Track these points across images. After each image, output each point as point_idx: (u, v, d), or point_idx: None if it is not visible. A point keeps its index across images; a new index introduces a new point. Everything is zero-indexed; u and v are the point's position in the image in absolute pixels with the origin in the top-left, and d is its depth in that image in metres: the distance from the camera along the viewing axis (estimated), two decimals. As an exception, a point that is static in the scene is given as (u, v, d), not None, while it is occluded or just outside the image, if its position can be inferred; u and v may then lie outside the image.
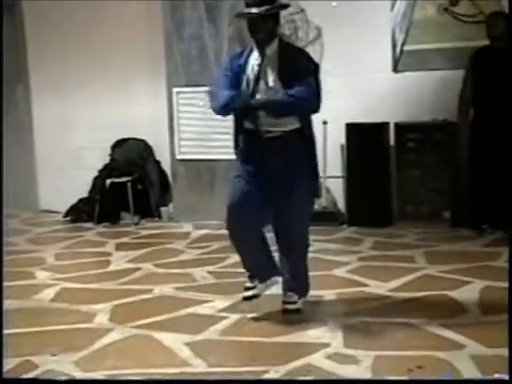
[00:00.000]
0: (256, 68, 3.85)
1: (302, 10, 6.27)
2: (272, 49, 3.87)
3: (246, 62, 3.91)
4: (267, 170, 3.88)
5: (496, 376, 3.00)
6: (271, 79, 3.86)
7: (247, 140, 3.94)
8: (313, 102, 3.85)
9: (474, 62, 5.79)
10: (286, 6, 3.90)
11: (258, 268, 4.06)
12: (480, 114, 5.78)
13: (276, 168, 3.87)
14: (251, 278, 4.06)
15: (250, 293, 4.03)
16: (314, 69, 3.90)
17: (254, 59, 3.89)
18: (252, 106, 3.81)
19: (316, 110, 3.91)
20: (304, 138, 3.92)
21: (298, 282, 4.04)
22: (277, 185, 3.88)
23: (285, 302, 4.03)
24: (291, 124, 3.87)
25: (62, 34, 7.54)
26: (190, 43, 6.86)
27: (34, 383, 3.33)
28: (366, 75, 6.51)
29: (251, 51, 3.94)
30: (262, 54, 3.85)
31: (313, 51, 6.36)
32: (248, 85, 3.86)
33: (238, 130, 3.98)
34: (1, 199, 6.14)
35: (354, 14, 6.48)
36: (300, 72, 3.81)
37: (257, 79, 3.83)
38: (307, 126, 3.94)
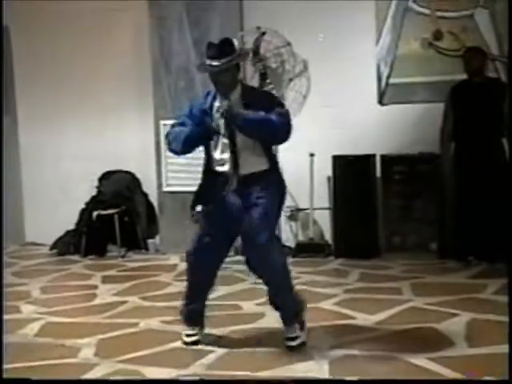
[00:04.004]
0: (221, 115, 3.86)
1: (289, 44, 6.32)
2: (235, 95, 3.89)
3: (212, 107, 3.92)
4: (235, 210, 3.88)
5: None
6: None
7: (215, 181, 3.93)
8: (284, 128, 3.83)
9: (452, 96, 5.88)
10: (245, 55, 3.95)
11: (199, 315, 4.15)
12: (461, 147, 5.85)
13: (244, 207, 3.86)
14: (191, 326, 4.14)
15: (191, 338, 4.08)
16: (280, 104, 3.95)
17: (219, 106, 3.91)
18: (232, 117, 3.78)
19: (285, 138, 3.88)
20: (273, 178, 3.95)
21: (287, 311, 4.01)
22: (244, 220, 3.86)
23: (286, 339, 3.98)
24: (262, 165, 3.90)
25: (49, 67, 7.58)
26: (178, 76, 6.92)
27: (34, 383, 3.31)
28: (352, 108, 6.58)
29: (215, 97, 3.95)
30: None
31: (299, 84, 6.46)
32: (215, 132, 3.88)
33: (207, 171, 4.01)
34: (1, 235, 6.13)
35: (340, 47, 6.58)
36: (266, 108, 3.81)
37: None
38: (275, 166, 3.98)
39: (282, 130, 3.83)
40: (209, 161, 3.99)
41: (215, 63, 3.80)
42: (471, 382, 3.24)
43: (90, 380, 3.32)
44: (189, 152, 4.05)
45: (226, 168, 3.90)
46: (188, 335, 4.11)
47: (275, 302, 4.03)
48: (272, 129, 3.79)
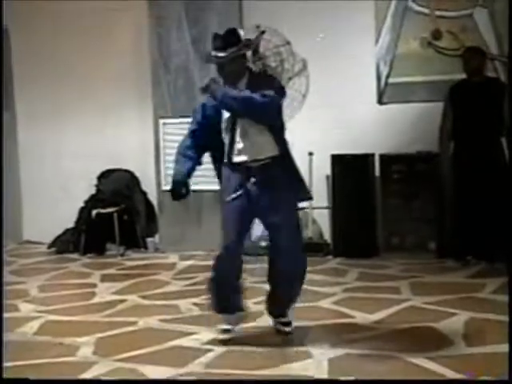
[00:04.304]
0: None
1: (288, 43, 6.30)
2: (243, 84, 3.90)
3: None
4: (254, 199, 3.89)
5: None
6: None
7: (230, 173, 3.94)
8: (268, 108, 3.81)
9: (451, 96, 5.88)
10: (250, 45, 3.96)
11: (232, 303, 4.12)
12: (460, 146, 5.86)
13: (264, 195, 3.87)
14: (226, 320, 4.11)
15: (227, 336, 4.07)
16: (279, 87, 3.91)
17: None
18: (212, 92, 3.83)
19: (268, 118, 3.86)
20: (285, 164, 3.93)
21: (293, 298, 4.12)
22: (266, 210, 3.90)
23: (280, 324, 4.09)
24: (271, 151, 3.89)
25: (49, 66, 7.60)
26: (177, 75, 6.94)
27: (34, 383, 3.31)
28: (351, 107, 6.59)
29: None
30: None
31: (299, 83, 6.44)
32: (233, 125, 3.88)
33: (218, 163, 4.02)
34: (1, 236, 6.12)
35: (339, 46, 6.58)
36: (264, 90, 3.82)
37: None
38: (286, 153, 3.95)
39: (264, 110, 3.80)
40: (223, 152, 3.96)
41: (221, 54, 3.81)
42: (471, 382, 3.23)
43: (88, 380, 3.31)
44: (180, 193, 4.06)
45: (243, 157, 3.88)
46: (225, 331, 4.08)
47: (280, 287, 4.07)
48: (253, 108, 3.77)
